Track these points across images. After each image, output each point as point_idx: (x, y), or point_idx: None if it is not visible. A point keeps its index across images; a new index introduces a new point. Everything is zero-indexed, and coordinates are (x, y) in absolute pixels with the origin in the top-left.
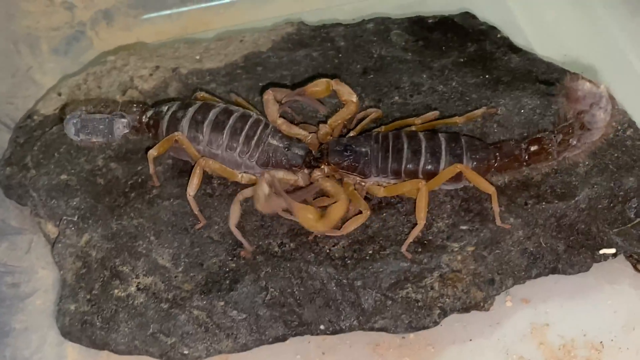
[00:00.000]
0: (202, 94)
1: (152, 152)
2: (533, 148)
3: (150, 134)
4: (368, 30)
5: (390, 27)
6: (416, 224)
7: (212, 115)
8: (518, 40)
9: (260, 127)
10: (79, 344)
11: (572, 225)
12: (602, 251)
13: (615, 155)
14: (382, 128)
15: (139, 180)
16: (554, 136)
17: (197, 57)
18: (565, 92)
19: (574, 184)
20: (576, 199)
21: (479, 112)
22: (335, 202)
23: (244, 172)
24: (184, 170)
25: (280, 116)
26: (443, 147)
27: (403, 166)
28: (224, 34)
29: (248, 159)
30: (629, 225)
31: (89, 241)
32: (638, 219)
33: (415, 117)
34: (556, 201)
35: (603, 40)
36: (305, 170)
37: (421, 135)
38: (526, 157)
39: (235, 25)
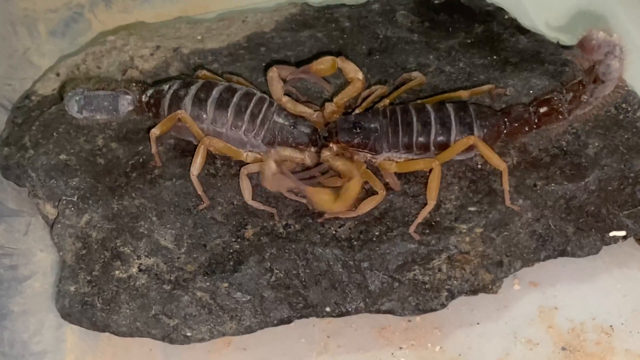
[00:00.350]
0: (204, 72)
1: (154, 131)
2: (542, 109)
3: (151, 114)
4: (373, 11)
5: (396, 8)
6: (425, 204)
7: (215, 93)
8: (525, 21)
9: (265, 105)
10: (79, 325)
11: (581, 207)
12: (612, 234)
13: (626, 136)
14: (387, 101)
15: (140, 160)
16: (564, 95)
17: (199, 37)
18: (580, 42)
19: (583, 165)
20: (586, 180)
21: (485, 87)
22: (348, 180)
23: (249, 151)
24: (187, 150)
25: (284, 94)
26: (452, 116)
27: (414, 139)
28: (225, 14)
29: (253, 138)
30: None
31: (89, 222)
32: None
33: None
34: (565, 183)
35: (610, 21)
36: (312, 149)
37: (429, 107)
38: (536, 119)
39: (237, 6)
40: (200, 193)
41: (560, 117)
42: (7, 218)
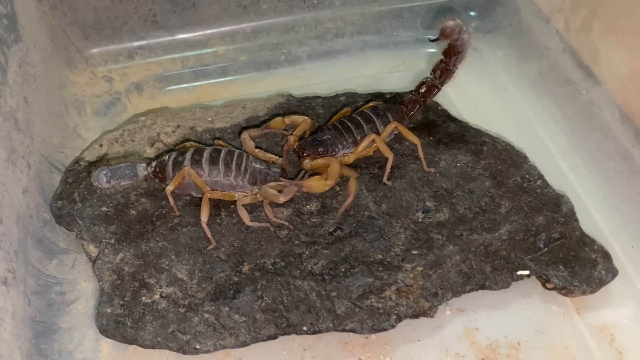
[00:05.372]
0: (191, 142)
1: (169, 188)
2: (422, 90)
3: (157, 180)
4: (340, 102)
5: (357, 99)
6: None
7: (206, 154)
8: (453, 112)
9: (244, 157)
10: (113, 339)
11: (496, 252)
12: (519, 272)
13: (529, 199)
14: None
15: (163, 212)
16: (434, 75)
17: (210, 119)
18: (440, 33)
19: (497, 220)
20: (499, 232)
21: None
22: (329, 165)
23: (239, 192)
24: (199, 204)
25: (255, 147)
26: (372, 115)
27: (355, 136)
28: (229, 102)
29: (241, 181)
30: (539, 253)
31: (123, 259)
32: (546, 248)
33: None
34: (484, 233)
35: (515, 114)
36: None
37: (356, 115)
38: (422, 98)
39: (238, 96)
40: (209, 236)
41: (437, 89)
42: (59, 255)
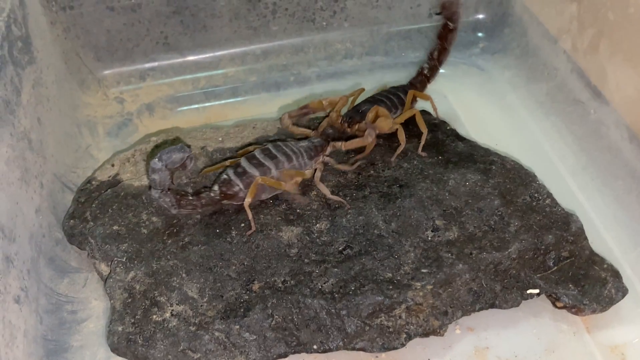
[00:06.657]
0: (230, 160)
1: (247, 201)
2: (426, 71)
3: (227, 200)
4: None
5: None
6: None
7: (259, 154)
8: (461, 131)
9: (288, 142)
10: (124, 357)
11: (506, 271)
12: (528, 291)
13: (538, 218)
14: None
15: (174, 230)
16: (432, 58)
17: (220, 139)
18: (442, 6)
19: (507, 239)
20: (509, 250)
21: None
22: (377, 112)
23: (307, 170)
24: (210, 223)
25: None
26: (396, 91)
27: (390, 107)
28: (240, 122)
29: (302, 160)
30: (549, 271)
31: (134, 277)
32: (555, 267)
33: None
34: (494, 252)
35: (524, 134)
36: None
37: (384, 92)
38: (427, 78)
39: (248, 117)
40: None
41: (437, 68)
42: (70, 274)
